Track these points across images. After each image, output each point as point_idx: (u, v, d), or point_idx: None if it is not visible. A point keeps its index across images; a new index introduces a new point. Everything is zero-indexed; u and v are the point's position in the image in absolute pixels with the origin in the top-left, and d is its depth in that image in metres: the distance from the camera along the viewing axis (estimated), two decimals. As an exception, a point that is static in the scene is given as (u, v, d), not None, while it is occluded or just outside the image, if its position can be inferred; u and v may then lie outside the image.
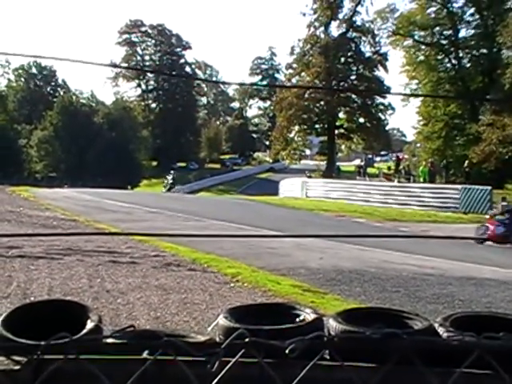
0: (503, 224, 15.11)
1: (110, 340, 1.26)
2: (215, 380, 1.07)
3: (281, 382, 1.09)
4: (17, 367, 1.15)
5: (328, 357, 1.24)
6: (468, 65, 45.60)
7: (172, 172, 42.90)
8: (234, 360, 1.06)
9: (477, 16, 43.99)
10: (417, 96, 53.36)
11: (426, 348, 1.21)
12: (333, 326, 1.50)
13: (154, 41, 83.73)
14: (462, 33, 45.48)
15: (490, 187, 22.34)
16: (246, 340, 1.07)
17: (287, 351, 1.07)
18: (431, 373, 1.09)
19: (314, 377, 1.14)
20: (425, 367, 1.09)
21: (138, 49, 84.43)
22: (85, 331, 1.39)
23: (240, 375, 1.12)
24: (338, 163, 59.76)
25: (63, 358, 1.07)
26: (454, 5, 44.90)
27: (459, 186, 24.33)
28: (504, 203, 17.10)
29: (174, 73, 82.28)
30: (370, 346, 1.16)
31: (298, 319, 1.58)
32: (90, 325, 1.45)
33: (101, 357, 1.17)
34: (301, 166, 63.87)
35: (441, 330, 1.49)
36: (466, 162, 33.18)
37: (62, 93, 76.19)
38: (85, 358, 1.12)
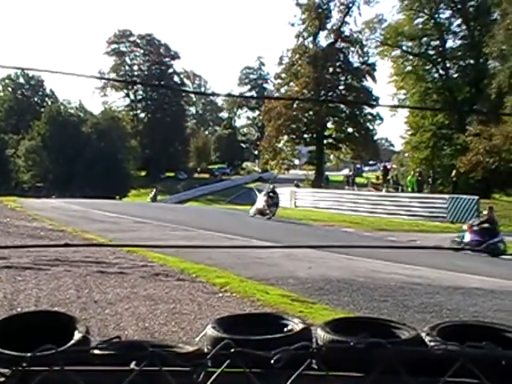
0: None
1: (96, 351, 1.26)
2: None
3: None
4: (1, 379, 1.14)
5: (316, 367, 1.25)
6: (455, 75, 46.04)
7: (156, 188, 43.75)
8: (219, 370, 1.07)
9: (464, 27, 44.47)
10: (404, 107, 53.72)
11: (412, 357, 1.22)
12: (321, 335, 1.51)
13: (142, 51, 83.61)
14: (449, 43, 46.05)
15: (477, 197, 22.50)
16: (232, 350, 1.08)
17: (272, 361, 1.08)
18: (416, 382, 1.10)
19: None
20: (409, 377, 1.10)
21: (127, 59, 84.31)
22: (72, 342, 1.39)
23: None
24: (326, 173, 59.99)
25: (49, 370, 1.07)
26: (441, 16, 45.46)
27: (446, 196, 24.49)
28: (485, 212, 17.31)
29: (162, 83, 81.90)
30: (355, 355, 1.17)
31: (285, 329, 1.59)
32: (77, 336, 1.45)
33: (87, 368, 1.17)
34: (289, 175, 63.99)
35: (428, 340, 1.50)
36: (454, 171, 33.42)
37: (49, 103, 75.82)
38: (71, 369, 1.12)
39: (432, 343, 1.45)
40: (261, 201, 22.18)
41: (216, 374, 1.07)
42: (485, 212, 17.61)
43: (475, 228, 15.96)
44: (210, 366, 1.15)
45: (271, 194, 22.18)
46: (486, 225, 16.10)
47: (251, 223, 20.53)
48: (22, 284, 7.58)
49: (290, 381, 1.06)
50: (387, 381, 1.16)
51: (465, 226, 17.35)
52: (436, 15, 45.13)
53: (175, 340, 5.10)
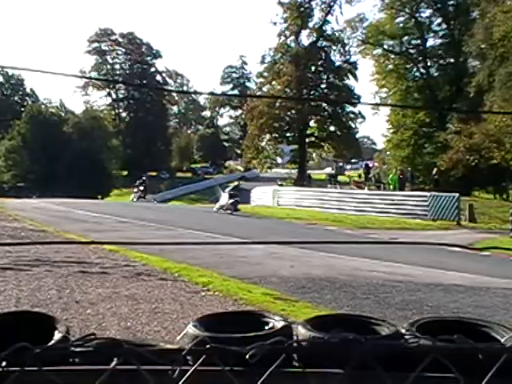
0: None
1: (72, 349, 1.26)
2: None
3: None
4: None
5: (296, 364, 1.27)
6: (436, 74, 46.49)
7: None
8: (194, 367, 1.07)
9: (444, 26, 44.93)
10: (385, 106, 53.99)
11: (386, 352, 1.23)
12: (301, 332, 1.52)
13: (124, 49, 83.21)
14: (430, 42, 46.53)
15: (457, 194, 22.66)
16: (207, 346, 1.08)
17: (247, 357, 1.09)
18: (389, 377, 1.12)
19: (276, 381, 1.16)
20: (383, 371, 1.12)
21: (108, 57, 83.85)
22: (52, 342, 1.39)
23: (202, 382, 1.13)
24: (309, 171, 60.12)
25: (20, 370, 1.07)
26: (422, 15, 45.91)
27: (427, 194, 24.63)
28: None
29: (145, 82, 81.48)
30: (330, 350, 1.18)
31: (267, 327, 1.59)
32: (57, 336, 1.44)
33: (61, 368, 1.17)
34: (272, 174, 64.03)
35: (407, 336, 1.52)
36: (435, 169, 33.68)
37: (30, 102, 75.22)
38: (47, 369, 1.11)
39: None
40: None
41: (191, 371, 1.07)
42: None
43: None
44: (189, 363, 1.15)
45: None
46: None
47: (233, 222, 20.53)
48: (2, 285, 7.52)
49: (264, 377, 1.07)
50: (362, 376, 1.18)
51: None
52: (417, 14, 45.53)
53: (157, 339, 5.09)
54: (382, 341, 1.41)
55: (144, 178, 42.44)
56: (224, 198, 24.22)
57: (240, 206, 24.17)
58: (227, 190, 24.44)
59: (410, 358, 1.21)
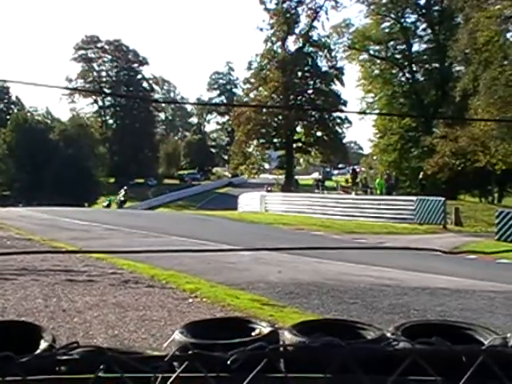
0: None
1: (57, 358, 1.26)
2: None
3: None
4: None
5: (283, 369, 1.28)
6: (421, 78, 46.84)
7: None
8: (176, 373, 1.08)
9: (429, 31, 45.29)
10: (372, 114, 54.23)
11: (368, 356, 1.25)
12: (288, 338, 1.53)
13: (110, 56, 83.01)
14: (415, 47, 46.88)
15: (443, 198, 22.81)
16: (189, 352, 1.09)
17: (229, 362, 1.10)
18: (369, 380, 1.13)
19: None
20: (364, 375, 1.13)
21: (95, 65, 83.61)
22: (38, 352, 1.39)
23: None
24: (296, 177, 60.20)
25: (1, 380, 1.07)
26: (407, 20, 46.24)
27: (414, 198, 24.77)
28: None
29: (131, 89, 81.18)
30: (312, 355, 1.19)
31: (253, 333, 1.60)
32: (43, 345, 1.45)
33: (45, 377, 1.17)
34: (260, 180, 64.08)
35: (389, 339, 1.53)
36: (421, 173, 33.89)
37: (15, 110, 74.78)
38: (33, 378, 1.12)
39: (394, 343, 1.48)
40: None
41: (173, 377, 1.08)
42: None
43: None
44: (173, 370, 1.16)
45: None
46: None
47: (221, 228, 20.53)
48: (-12, 294, 7.46)
49: (245, 382, 1.08)
50: (344, 380, 1.19)
51: None
52: (402, 20, 45.85)
53: (143, 347, 5.08)
54: (363, 345, 1.43)
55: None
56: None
57: (228, 213, 24.31)
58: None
59: (391, 361, 1.22)
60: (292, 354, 1.23)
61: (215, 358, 1.11)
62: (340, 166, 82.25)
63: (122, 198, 42.03)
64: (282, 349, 1.23)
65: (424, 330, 1.59)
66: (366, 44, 46.78)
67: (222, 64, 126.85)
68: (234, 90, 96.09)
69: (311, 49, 55.74)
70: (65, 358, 1.15)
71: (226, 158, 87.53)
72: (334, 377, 1.19)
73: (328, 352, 1.14)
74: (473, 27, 30.70)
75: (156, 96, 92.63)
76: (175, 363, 1.18)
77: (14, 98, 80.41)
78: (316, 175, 67.36)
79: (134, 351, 1.56)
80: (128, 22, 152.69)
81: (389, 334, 1.58)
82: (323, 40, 54.30)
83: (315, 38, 54.94)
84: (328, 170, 74.45)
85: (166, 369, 1.11)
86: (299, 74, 56.14)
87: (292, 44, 55.50)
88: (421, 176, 33.75)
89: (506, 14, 30.68)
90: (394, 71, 47.18)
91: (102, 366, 1.09)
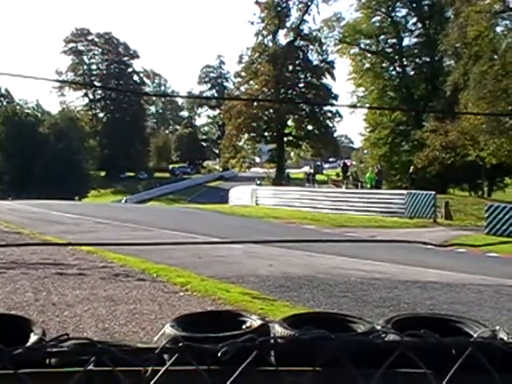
0: None
1: (46, 350, 1.26)
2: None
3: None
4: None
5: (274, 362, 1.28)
6: (412, 72, 46.97)
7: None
8: (166, 366, 1.08)
9: (419, 25, 45.40)
10: (363, 108, 54.32)
11: (357, 348, 1.25)
12: (278, 331, 1.53)
13: (101, 49, 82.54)
14: (406, 41, 46.99)
15: (433, 192, 22.89)
16: (180, 344, 1.09)
17: (219, 354, 1.10)
18: (359, 372, 1.14)
19: (250, 380, 1.18)
20: (353, 367, 1.14)
21: (85, 58, 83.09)
22: (27, 345, 1.38)
23: (175, 381, 1.14)
24: (287, 170, 60.27)
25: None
26: (398, 14, 46.36)
27: (404, 192, 24.85)
28: None
29: (121, 82, 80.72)
30: (302, 347, 1.20)
31: (244, 326, 1.60)
32: (33, 338, 1.44)
33: (35, 370, 1.17)
34: (251, 173, 64.11)
35: (378, 332, 1.54)
36: (411, 167, 34.00)
37: (5, 103, 74.18)
38: (23, 371, 1.12)
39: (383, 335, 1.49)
40: None
41: (163, 370, 1.08)
42: None
43: None
44: (163, 363, 1.16)
45: None
46: None
47: (211, 222, 20.52)
48: (-23, 288, 7.43)
49: (235, 374, 1.08)
50: (333, 372, 1.20)
51: None
52: (393, 13, 45.93)
53: (134, 340, 5.08)
54: (352, 337, 1.43)
55: None
56: None
57: (218, 206, 24.23)
58: None
59: (380, 354, 1.23)
60: (282, 346, 1.24)
61: (205, 350, 1.11)
62: (331, 159, 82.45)
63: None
64: (272, 341, 1.23)
65: (414, 323, 1.59)
66: (356, 38, 46.81)
67: (213, 57, 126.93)
68: (225, 83, 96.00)
69: (302, 42, 55.73)
70: (55, 350, 1.15)
71: (216, 151, 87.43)
72: (324, 369, 1.19)
73: (318, 344, 1.15)
74: (463, 22, 30.80)
75: (147, 89, 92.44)
76: (165, 356, 1.18)
77: (3, 91, 79.79)
78: (307, 169, 67.48)
79: (124, 344, 1.56)
80: (118, 15, 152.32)
81: (379, 327, 1.59)
82: (314, 34, 54.31)
83: (306, 31, 55.00)
84: (319, 163, 74.63)
85: (157, 361, 1.11)
86: (290, 67, 56.15)
87: (283, 38, 55.55)
88: (411, 170, 33.87)
89: (496, 8, 30.81)
90: (384, 65, 47.27)
91: (92, 359, 1.09)
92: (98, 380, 1.17)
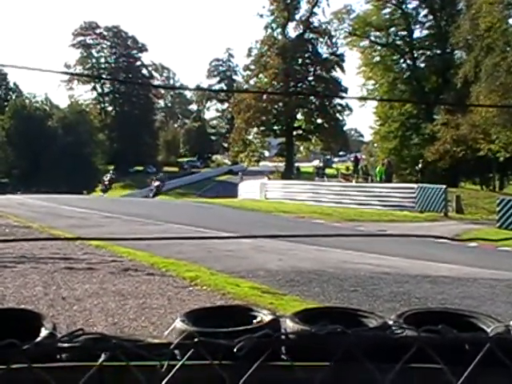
0: None
1: (60, 345, 1.25)
2: (164, 381, 1.07)
3: (230, 381, 1.10)
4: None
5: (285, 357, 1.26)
6: (422, 65, 46.63)
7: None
8: (182, 360, 1.07)
9: (430, 17, 45.05)
10: (372, 100, 54.11)
11: (372, 344, 1.23)
12: (290, 326, 1.52)
13: (109, 43, 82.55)
14: (417, 33, 46.64)
15: (444, 186, 22.75)
16: (195, 340, 1.08)
17: (235, 350, 1.08)
18: (375, 368, 1.12)
19: (264, 375, 1.16)
20: (369, 362, 1.12)
21: (94, 51, 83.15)
22: (38, 339, 1.37)
23: (190, 376, 1.13)
24: (297, 164, 60.18)
25: (7, 368, 1.06)
26: (409, 6, 45.99)
27: (415, 185, 24.72)
28: None
29: (130, 76, 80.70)
30: (317, 343, 1.18)
31: (255, 321, 1.59)
32: (44, 333, 1.43)
33: (49, 365, 1.16)
34: (260, 167, 64.04)
35: (394, 327, 1.52)
36: (421, 161, 33.84)
37: (14, 97, 74.42)
38: (37, 366, 1.11)
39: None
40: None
41: (179, 364, 1.07)
42: None
43: None
44: (177, 358, 1.15)
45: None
46: None
47: (220, 216, 20.52)
48: (-13, 282, 7.46)
49: (251, 370, 1.07)
50: (348, 367, 1.18)
51: None
52: (403, 5, 45.60)
53: (144, 334, 5.08)
54: (367, 332, 1.42)
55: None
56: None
57: (228, 200, 24.22)
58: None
59: (396, 349, 1.21)
60: (297, 341, 1.22)
61: (221, 345, 1.09)
62: (340, 153, 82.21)
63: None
64: (286, 336, 1.21)
65: (426, 318, 1.57)
66: (366, 30, 46.48)
67: (222, 51, 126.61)
68: (234, 76, 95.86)
69: (312, 35, 55.52)
70: (68, 345, 1.14)
71: (225, 145, 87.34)
72: (339, 364, 1.17)
73: (334, 340, 1.13)
74: (475, 13, 30.55)
75: (155, 83, 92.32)
76: (176, 351, 1.17)
77: (11, 85, 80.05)
78: (316, 163, 67.33)
79: (135, 339, 1.54)
80: (127, 8, 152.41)
81: (391, 322, 1.57)
82: (324, 26, 54.10)
83: (316, 24, 54.78)
84: (328, 157, 74.45)
85: (171, 356, 1.10)
86: (299, 60, 55.97)
87: (292, 30, 55.37)
88: (420, 164, 33.71)
89: (509, -1, 30.53)
90: (394, 58, 46.95)
91: (106, 354, 1.08)
92: (111, 375, 1.16)
